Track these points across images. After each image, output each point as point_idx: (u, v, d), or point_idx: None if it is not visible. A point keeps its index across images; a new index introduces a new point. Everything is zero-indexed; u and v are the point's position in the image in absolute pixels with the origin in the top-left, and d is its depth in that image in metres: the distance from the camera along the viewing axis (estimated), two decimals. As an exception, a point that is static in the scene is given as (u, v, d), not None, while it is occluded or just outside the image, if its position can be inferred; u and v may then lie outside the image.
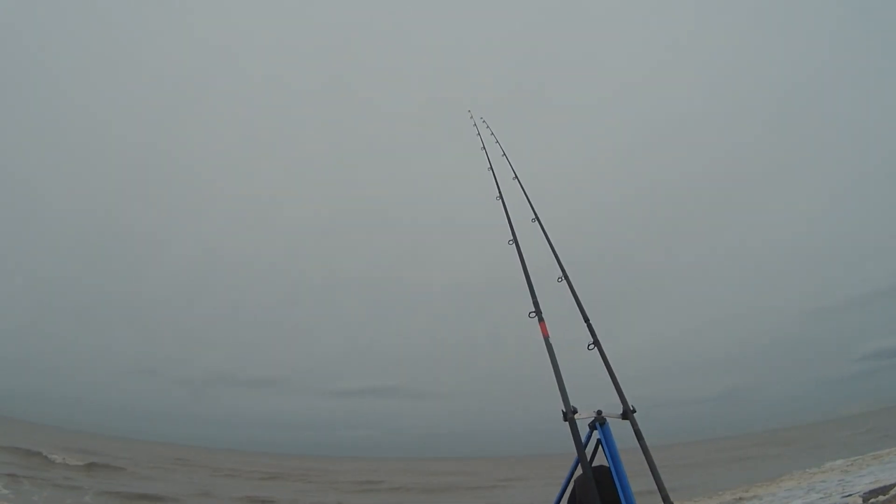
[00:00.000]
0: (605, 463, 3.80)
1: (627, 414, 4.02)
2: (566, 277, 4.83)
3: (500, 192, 5.72)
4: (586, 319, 4.57)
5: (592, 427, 3.96)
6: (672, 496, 3.74)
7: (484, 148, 6.62)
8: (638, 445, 4.00)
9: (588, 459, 3.75)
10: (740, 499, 22.73)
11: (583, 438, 3.78)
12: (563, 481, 4.08)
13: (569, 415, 3.66)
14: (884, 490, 17.33)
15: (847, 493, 18.67)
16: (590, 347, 4.35)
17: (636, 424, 4.00)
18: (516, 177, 6.05)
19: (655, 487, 3.78)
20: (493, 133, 6.93)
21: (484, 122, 7.22)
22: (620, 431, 3.95)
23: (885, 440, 43.26)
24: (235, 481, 40.93)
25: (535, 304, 4.35)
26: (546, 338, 4.10)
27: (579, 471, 3.67)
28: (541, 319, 4.23)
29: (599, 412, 3.92)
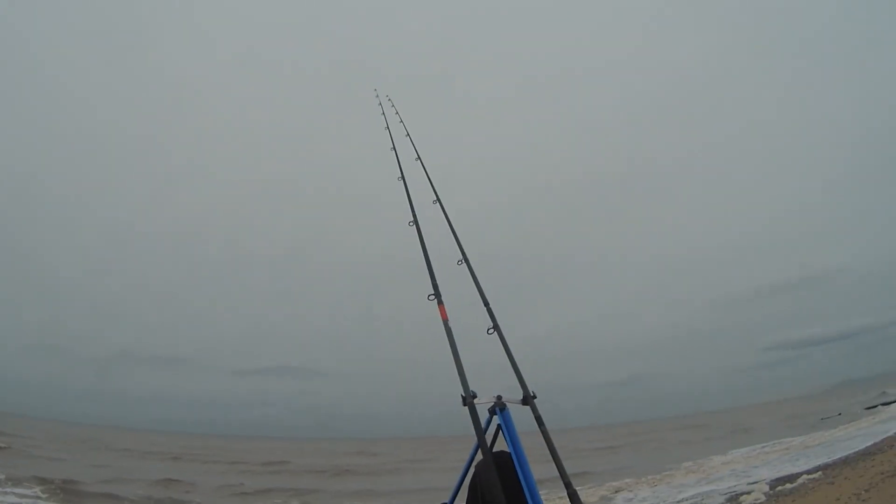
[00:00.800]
0: (507, 448, 3.68)
1: (528, 399, 3.89)
2: (466, 261, 4.69)
3: (402, 173, 5.58)
4: (486, 304, 4.41)
5: (492, 412, 3.78)
6: (574, 482, 3.62)
7: (388, 128, 6.44)
8: (539, 430, 3.87)
9: (488, 445, 3.60)
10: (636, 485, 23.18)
11: (483, 423, 3.59)
12: (463, 466, 3.91)
13: (468, 399, 3.55)
14: (791, 478, 17.75)
15: (754, 480, 19.08)
16: (489, 332, 4.22)
17: (536, 410, 3.87)
18: (419, 157, 5.90)
19: (557, 474, 3.67)
20: (397, 112, 6.77)
21: (389, 100, 7.04)
22: (521, 416, 3.81)
23: (790, 430, 44.87)
24: (142, 462, 39.88)
25: (435, 286, 4.21)
26: (445, 321, 3.97)
27: (480, 456, 3.54)
28: (440, 302, 4.10)
29: (499, 397, 3.77)
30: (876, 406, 47.97)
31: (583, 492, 25.00)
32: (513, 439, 3.65)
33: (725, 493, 17.60)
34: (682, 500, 18.10)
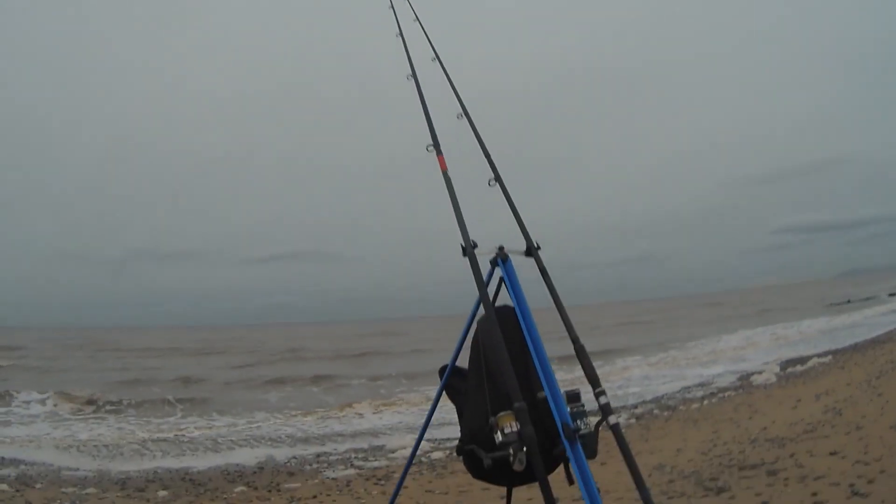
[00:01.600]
0: (509, 302, 3.39)
1: (531, 250, 3.57)
2: (466, 114, 4.21)
3: (399, 29, 4.97)
4: (486, 154, 4.03)
5: (494, 264, 3.51)
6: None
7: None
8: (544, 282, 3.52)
9: (490, 298, 3.33)
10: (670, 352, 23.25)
11: (485, 277, 3.34)
12: (465, 322, 3.63)
13: (468, 249, 3.25)
14: (801, 360, 17.60)
15: (764, 361, 18.97)
16: (491, 184, 3.85)
17: (541, 261, 3.55)
18: (417, 19, 5.23)
19: (563, 327, 3.36)
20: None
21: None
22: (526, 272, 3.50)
23: (798, 314, 44.98)
24: (162, 360, 40.24)
25: (433, 135, 3.86)
26: (444, 171, 3.65)
27: (482, 311, 3.23)
28: (439, 153, 3.76)
29: (501, 248, 3.48)
30: (880, 296, 47.84)
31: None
32: (516, 292, 3.36)
33: (736, 373, 17.50)
34: (693, 380, 18.01)
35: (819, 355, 17.89)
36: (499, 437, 2.75)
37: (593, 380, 3.08)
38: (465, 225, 3.34)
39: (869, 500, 5.46)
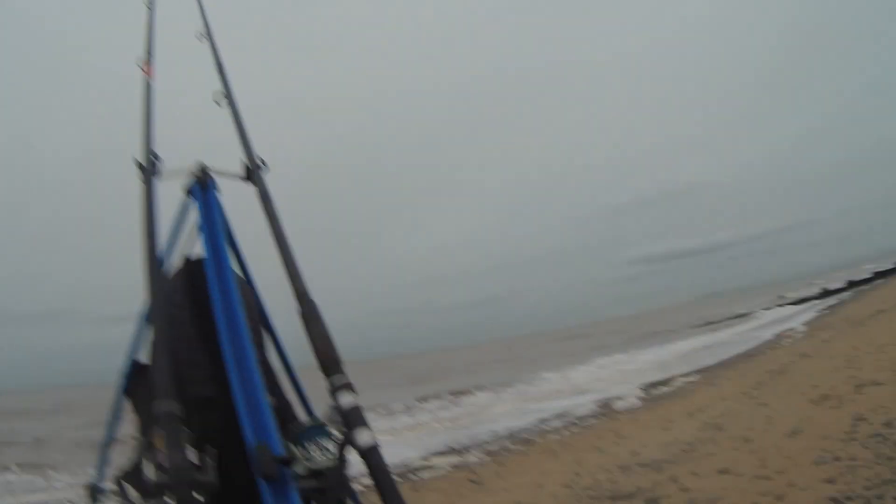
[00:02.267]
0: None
1: (252, 173, 2.24)
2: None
3: None
4: (220, 69, 2.73)
5: (191, 194, 2.15)
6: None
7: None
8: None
9: (184, 259, 2.05)
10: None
11: (175, 219, 2.11)
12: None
13: (147, 167, 2.08)
14: (665, 382, 17.24)
15: (627, 386, 18.49)
16: (219, 103, 2.54)
17: (263, 184, 2.20)
18: None
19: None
20: None
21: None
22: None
23: (656, 339, 46.03)
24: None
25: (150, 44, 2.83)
26: (147, 77, 2.57)
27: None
28: (149, 62, 2.69)
29: (204, 168, 2.16)
30: (742, 315, 49.80)
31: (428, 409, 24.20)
32: (213, 234, 2.02)
33: (596, 401, 16.80)
34: (550, 412, 17.19)
35: (683, 375, 17.61)
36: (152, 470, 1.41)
37: (329, 363, 1.65)
38: (152, 131, 2.24)
39: (783, 523, 4.47)
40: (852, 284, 46.21)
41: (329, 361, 1.61)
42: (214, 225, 2.03)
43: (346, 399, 1.53)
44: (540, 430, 13.94)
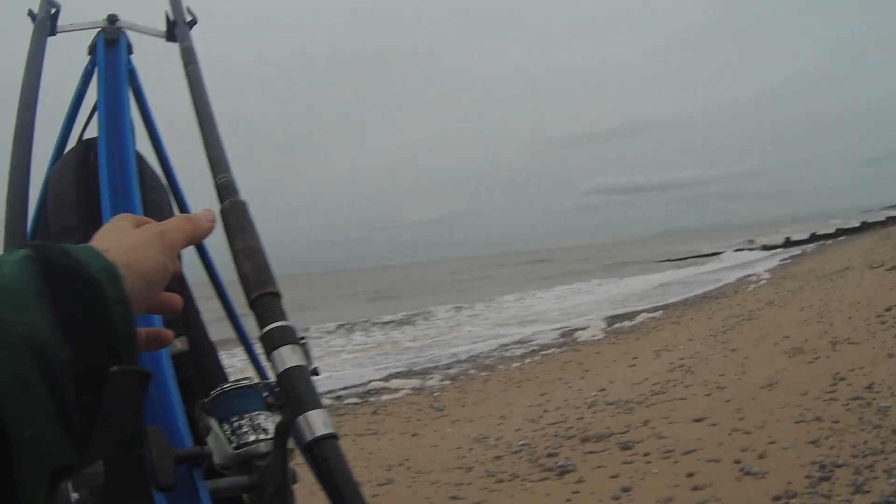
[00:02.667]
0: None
1: (176, 25, 1.72)
2: None
3: None
4: None
5: (93, 53, 1.66)
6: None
7: None
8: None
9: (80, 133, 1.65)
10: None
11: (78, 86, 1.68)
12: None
13: (41, 16, 1.66)
14: (629, 316, 17.23)
15: (589, 317, 18.50)
16: None
17: (188, 41, 1.65)
18: None
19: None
20: None
21: None
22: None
23: (613, 270, 46.35)
24: None
25: None
26: None
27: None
28: None
29: (113, 20, 1.65)
30: (705, 255, 50.24)
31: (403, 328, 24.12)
32: (115, 110, 1.54)
33: (558, 329, 16.76)
34: (511, 338, 17.15)
35: (647, 311, 17.61)
36: None
37: (255, 280, 1.06)
38: None
39: (768, 482, 4.35)
40: (815, 238, 46.87)
41: (255, 277, 1.05)
42: (119, 95, 1.59)
43: (280, 333, 0.96)
44: (501, 356, 13.89)
